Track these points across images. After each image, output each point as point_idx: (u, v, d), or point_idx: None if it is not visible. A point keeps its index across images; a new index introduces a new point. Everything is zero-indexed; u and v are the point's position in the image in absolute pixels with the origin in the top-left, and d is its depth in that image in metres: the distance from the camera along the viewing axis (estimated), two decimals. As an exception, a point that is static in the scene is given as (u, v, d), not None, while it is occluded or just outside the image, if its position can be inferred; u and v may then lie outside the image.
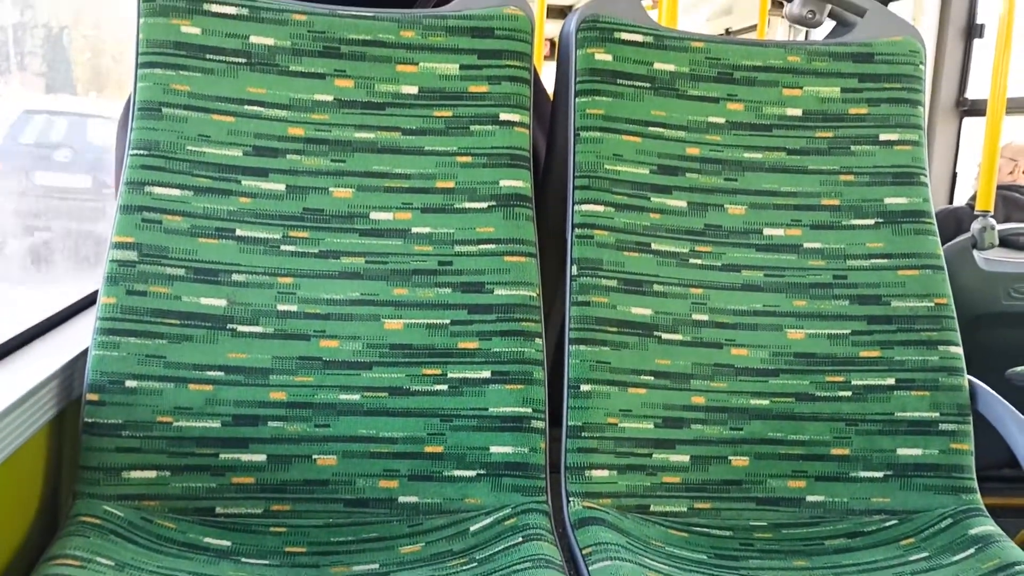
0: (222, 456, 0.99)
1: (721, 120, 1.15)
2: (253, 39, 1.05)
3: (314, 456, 1.01)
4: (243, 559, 0.93)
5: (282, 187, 1.04)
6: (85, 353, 1.00)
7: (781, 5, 1.37)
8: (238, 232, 1.03)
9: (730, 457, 1.08)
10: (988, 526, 1.02)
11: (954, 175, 3.29)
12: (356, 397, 1.02)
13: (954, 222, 2.52)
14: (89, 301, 1.23)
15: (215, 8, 1.05)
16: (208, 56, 1.04)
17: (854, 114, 1.16)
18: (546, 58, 4.14)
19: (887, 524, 1.07)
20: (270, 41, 1.06)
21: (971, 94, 3.28)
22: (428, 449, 1.02)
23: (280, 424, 1.00)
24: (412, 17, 1.08)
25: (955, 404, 1.10)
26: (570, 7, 1.07)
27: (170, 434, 0.98)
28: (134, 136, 1.03)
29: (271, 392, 1.01)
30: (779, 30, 4.19)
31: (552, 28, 1.12)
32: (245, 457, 1.00)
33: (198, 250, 1.02)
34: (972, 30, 3.27)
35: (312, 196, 1.05)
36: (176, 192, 1.02)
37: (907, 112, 1.17)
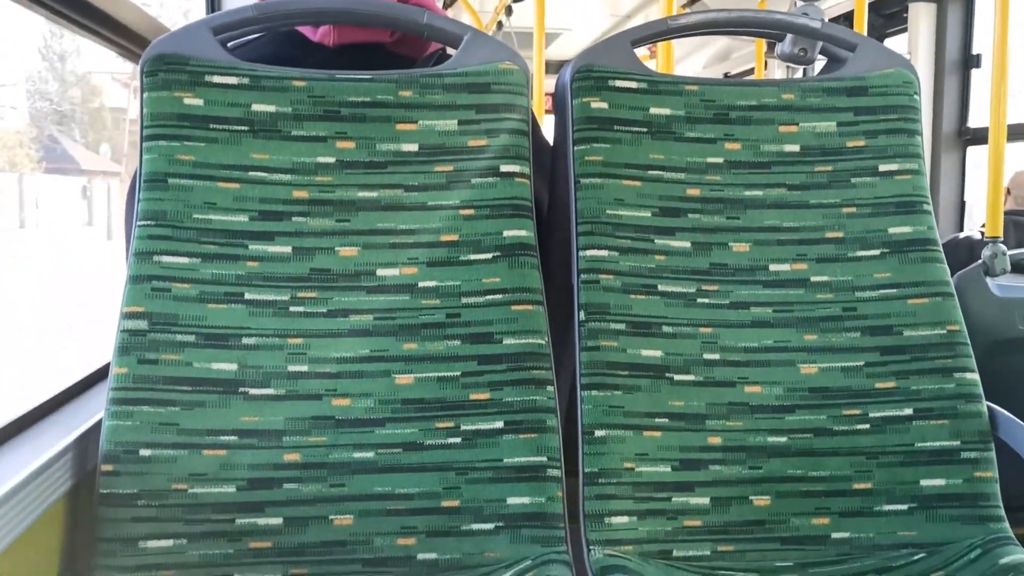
0: (239, 521, 0.99)
1: (720, 160, 1.16)
2: (255, 107, 1.08)
3: (331, 516, 1.00)
4: None
5: (288, 249, 1.06)
6: (99, 425, 1.00)
7: (775, 48, 1.39)
8: (247, 296, 1.04)
9: (751, 497, 1.07)
10: (1019, 555, 1.00)
11: (962, 204, 3.29)
12: (370, 455, 1.01)
13: (967, 250, 2.52)
14: (102, 374, 1.24)
15: (217, 79, 1.07)
16: (211, 126, 1.06)
17: (852, 147, 1.17)
18: (547, 112, 4.19)
19: (915, 558, 1.05)
20: (271, 108, 1.08)
21: (974, 123, 3.30)
22: (445, 503, 1.01)
23: (295, 486, 1.00)
24: (409, 77, 1.10)
25: (975, 431, 1.09)
26: (568, 61, 1.09)
27: (185, 501, 0.98)
28: (141, 207, 1.04)
29: (285, 454, 1.00)
30: (776, 73, 4.24)
31: (552, 84, 1.15)
32: (262, 521, 0.99)
33: (208, 316, 1.02)
34: (968, 61, 3.30)
35: (319, 257, 1.06)
36: (184, 260, 1.03)
37: (905, 142, 1.18)
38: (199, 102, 1.06)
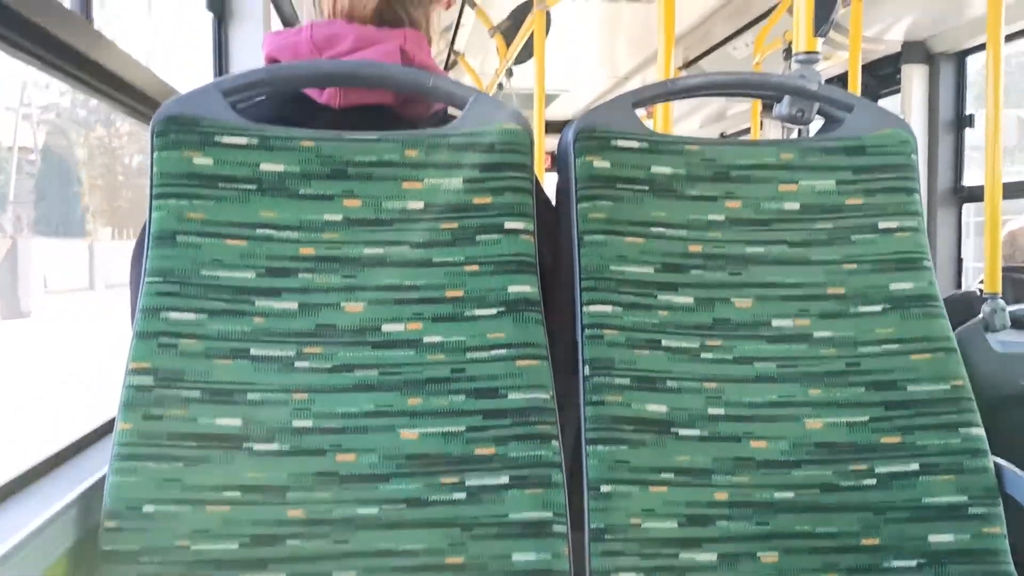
0: None
1: (721, 217, 1.17)
2: (263, 166, 1.09)
3: (334, 574, 0.99)
4: None
5: (295, 305, 1.06)
6: (102, 481, 1.00)
7: (771, 108, 1.42)
8: (252, 352, 1.04)
9: (759, 553, 1.06)
10: None
11: (959, 260, 3.31)
12: (374, 511, 1.01)
13: (966, 306, 2.53)
14: (107, 429, 1.24)
15: (226, 140, 1.09)
16: (220, 185, 1.08)
17: (851, 205, 1.19)
18: (547, 170, 4.24)
19: None
20: (280, 167, 1.10)
21: (968, 180, 3.34)
22: (449, 560, 1.00)
23: (299, 542, 0.99)
24: (415, 137, 1.12)
25: (982, 487, 1.08)
26: (568, 122, 1.12)
27: (188, 558, 0.97)
28: (150, 264, 1.05)
29: (289, 510, 1.00)
30: (771, 132, 4.30)
31: (552, 143, 1.19)
32: None
33: (213, 371, 1.03)
34: (962, 120, 3.36)
35: (324, 312, 1.07)
36: (191, 316, 1.04)
37: (903, 200, 1.20)
38: (208, 161, 1.08)
